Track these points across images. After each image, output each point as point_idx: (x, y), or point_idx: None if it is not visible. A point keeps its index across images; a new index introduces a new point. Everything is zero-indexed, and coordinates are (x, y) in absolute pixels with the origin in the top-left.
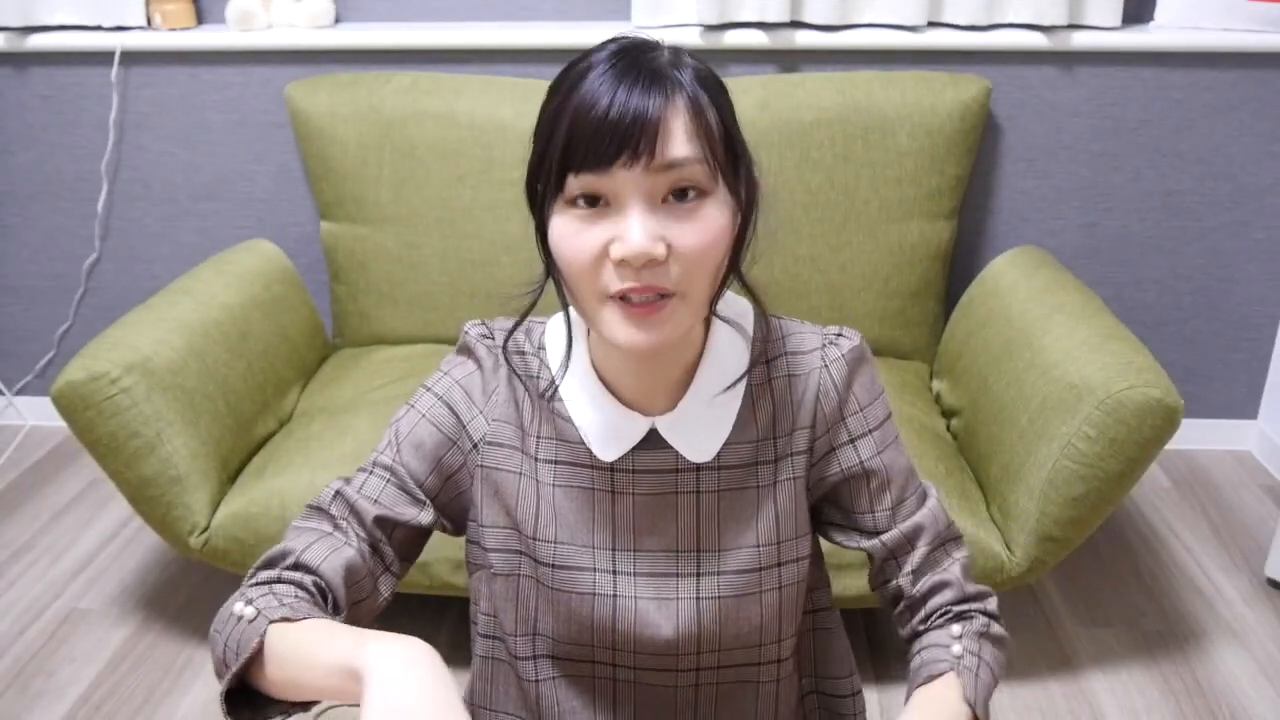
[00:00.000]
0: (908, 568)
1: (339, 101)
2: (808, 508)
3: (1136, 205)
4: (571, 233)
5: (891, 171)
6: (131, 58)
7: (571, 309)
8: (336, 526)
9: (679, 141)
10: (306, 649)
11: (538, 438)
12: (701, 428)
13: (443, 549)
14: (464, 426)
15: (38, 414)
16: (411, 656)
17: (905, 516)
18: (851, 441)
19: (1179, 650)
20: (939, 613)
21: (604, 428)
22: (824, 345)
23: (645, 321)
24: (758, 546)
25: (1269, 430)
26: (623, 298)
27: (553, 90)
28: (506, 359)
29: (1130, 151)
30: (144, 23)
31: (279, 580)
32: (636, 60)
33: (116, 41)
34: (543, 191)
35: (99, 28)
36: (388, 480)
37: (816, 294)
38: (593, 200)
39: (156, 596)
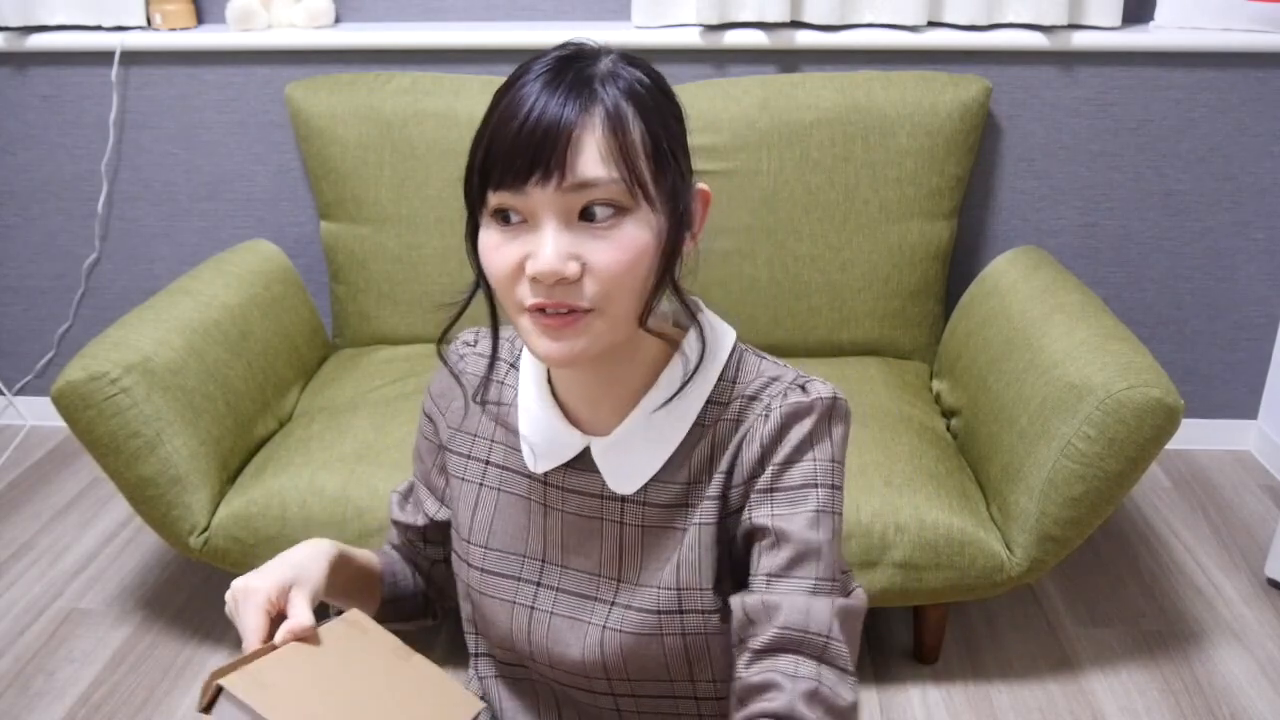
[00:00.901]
0: (752, 645)
1: (339, 101)
2: (716, 559)
3: (1136, 205)
4: (493, 246)
5: (891, 171)
6: (131, 58)
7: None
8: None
9: (591, 161)
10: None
11: (491, 441)
12: (633, 458)
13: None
14: (438, 432)
15: (38, 414)
16: (301, 545)
17: (779, 591)
18: (766, 491)
19: (1179, 650)
20: (757, 714)
21: (541, 439)
22: (779, 395)
23: (559, 334)
24: (659, 588)
25: (1269, 430)
26: (540, 309)
27: (494, 96)
28: (442, 359)
29: (1130, 151)
30: (144, 23)
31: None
32: (565, 72)
33: (116, 41)
34: (471, 202)
35: (99, 28)
36: (420, 481)
37: (816, 294)
38: (509, 216)
39: (156, 596)
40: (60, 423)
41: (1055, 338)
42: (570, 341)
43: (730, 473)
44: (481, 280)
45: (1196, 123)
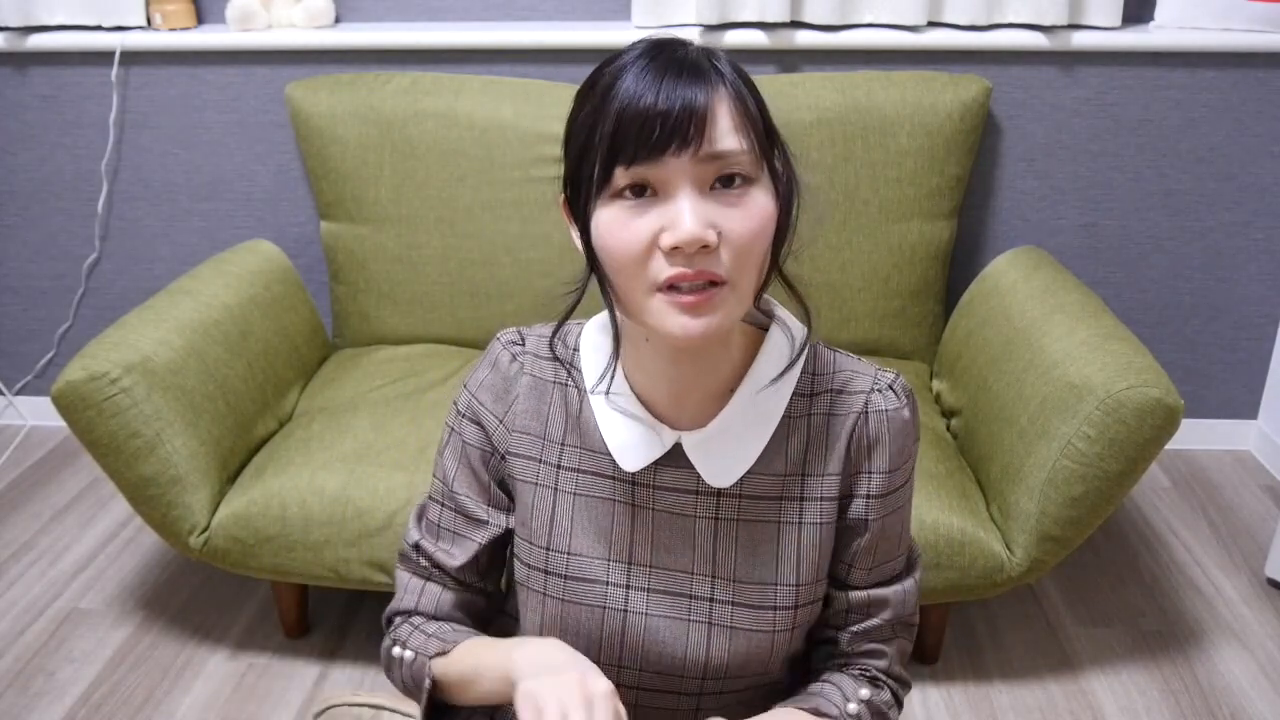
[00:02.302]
0: (854, 629)
1: (339, 101)
2: (830, 551)
3: (1136, 205)
4: (619, 225)
5: (891, 171)
6: (131, 58)
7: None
8: (429, 576)
9: (726, 131)
10: (465, 674)
11: (562, 444)
12: (728, 451)
13: None
14: (491, 437)
15: (38, 414)
16: (545, 643)
17: (878, 583)
18: (866, 497)
19: (1179, 650)
20: (859, 667)
21: (629, 438)
22: (871, 390)
23: (697, 310)
24: (777, 585)
25: (1269, 430)
26: (672, 288)
27: (583, 94)
28: (559, 362)
29: (1130, 151)
30: (144, 23)
31: (416, 628)
32: (673, 55)
33: (116, 41)
34: (585, 190)
35: (99, 28)
36: (451, 511)
37: (817, 294)
38: (640, 190)
39: (156, 596)
40: (60, 423)
41: (1055, 338)
42: (707, 318)
43: (842, 473)
44: (596, 271)
45: (1196, 123)
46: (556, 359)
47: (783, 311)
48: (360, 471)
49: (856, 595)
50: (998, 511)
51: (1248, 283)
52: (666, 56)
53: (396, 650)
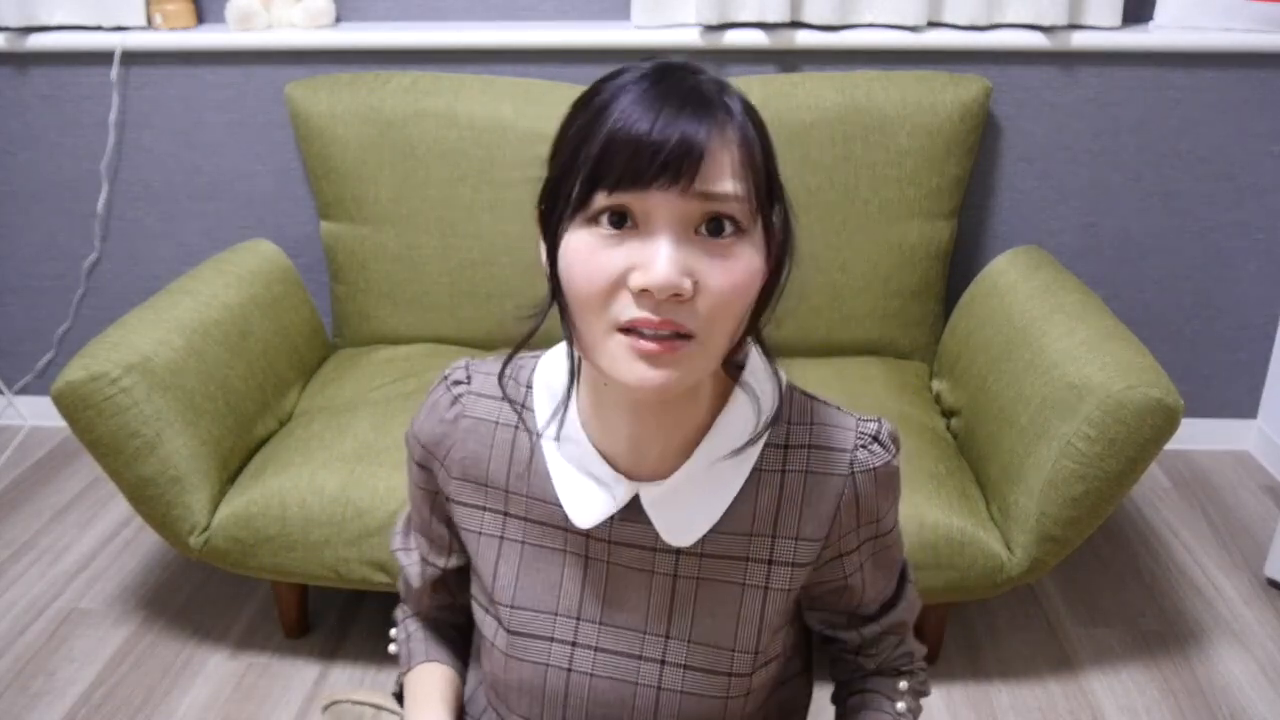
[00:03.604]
0: (874, 650)
1: (339, 101)
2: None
3: (1136, 205)
4: (589, 252)
5: (891, 171)
6: (131, 58)
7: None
8: (409, 581)
9: (725, 175)
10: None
11: (507, 492)
12: (689, 508)
13: None
14: (435, 480)
15: (38, 414)
16: None
17: (887, 609)
18: (858, 550)
19: (1179, 650)
20: (893, 666)
21: (583, 490)
22: (855, 448)
23: (657, 360)
24: (734, 651)
25: (1269, 430)
26: (633, 330)
27: (580, 105)
28: (509, 402)
29: (1130, 151)
30: (144, 23)
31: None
32: (681, 82)
33: (116, 41)
34: (560, 208)
35: (99, 28)
36: (418, 530)
37: (816, 294)
38: (619, 219)
39: (156, 596)
40: (60, 423)
41: (1055, 338)
42: (668, 370)
43: (826, 539)
44: (557, 298)
45: (1196, 123)
46: (506, 399)
47: (755, 362)
48: (360, 471)
49: (871, 629)
50: (998, 511)
51: (1248, 283)
52: (673, 82)
53: (392, 631)
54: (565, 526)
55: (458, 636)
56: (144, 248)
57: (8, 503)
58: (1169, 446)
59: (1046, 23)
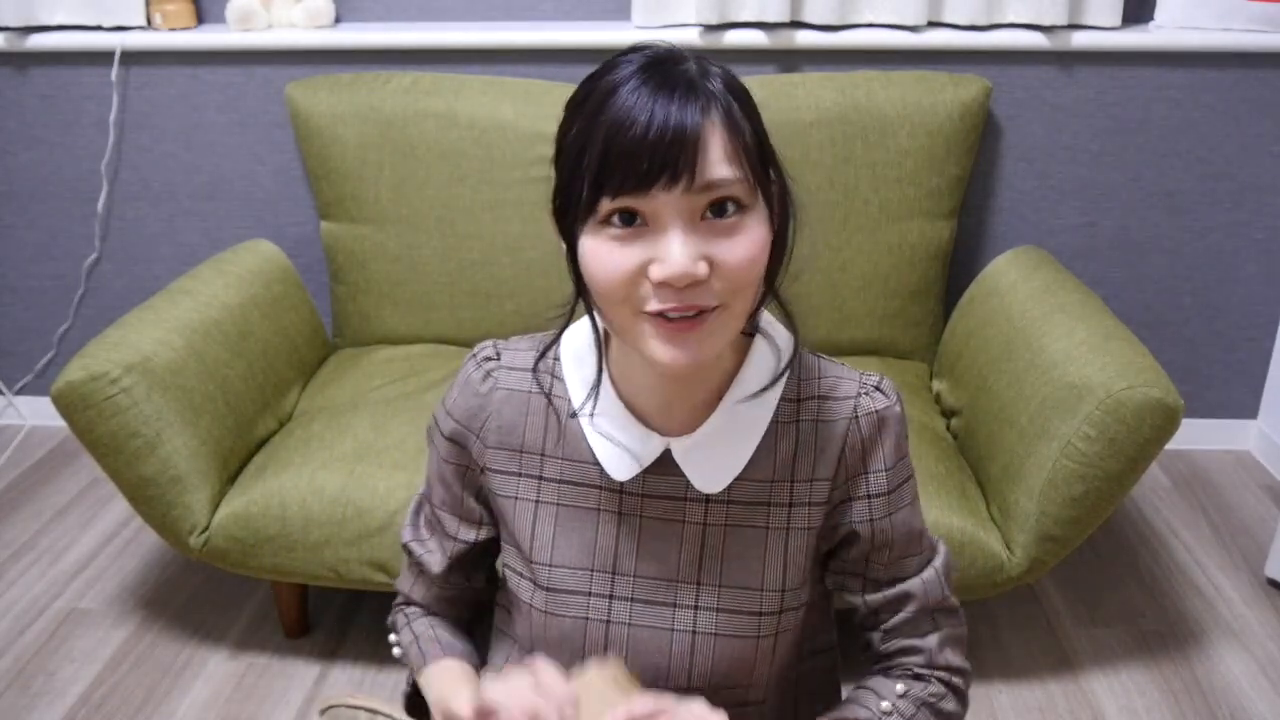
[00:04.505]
0: (885, 627)
1: (339, 101)
2: (815, 557)
3: (1136, 205)
4: (606, 253)
5: (891, 171)
6: (131, 58)
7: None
8: (419, 572)
9: (718, 160)
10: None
11: (543, 455)
12: (717, 457)
13: None
14: (469, 453)
15: (38, 414)
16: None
17: (897, 580)
18: (867, 498)
19: (1179, 650)
20: (899, 667)
21: (618, 447)
22: (858, 395)
23: (686, 338)
24: (762, 590)
25: (1269, 430)
26: (660, 314)
27: (575, 107)
28: (537, 381)
29: (1130, 151)
30: (144, 23)
31: (412, 615)
32: (668, 75)
33: (116, 41)
34: (571, 212)
35: (99, 28)
36: (433, 518)
37: (817, 294)
38: (628, 218)
39: (156, 596)
40: (60, 423)
41: (1055, 338)
42: (697, 346)
43: (834, 478)
44: (582, 293)
45: (1196, 123)
46: (537, 371)
47: (768, 319)
48: (360, 471)
49: (874, 598)
50: (998, 511)
51: (1248, 283)
52: (659, 77)
53: (392, 636)
54: (599, 484)
55: (465, 632)
56: (144, 248)
57: (8, 503)
58: (1169, 446)
59: (1046, 23)
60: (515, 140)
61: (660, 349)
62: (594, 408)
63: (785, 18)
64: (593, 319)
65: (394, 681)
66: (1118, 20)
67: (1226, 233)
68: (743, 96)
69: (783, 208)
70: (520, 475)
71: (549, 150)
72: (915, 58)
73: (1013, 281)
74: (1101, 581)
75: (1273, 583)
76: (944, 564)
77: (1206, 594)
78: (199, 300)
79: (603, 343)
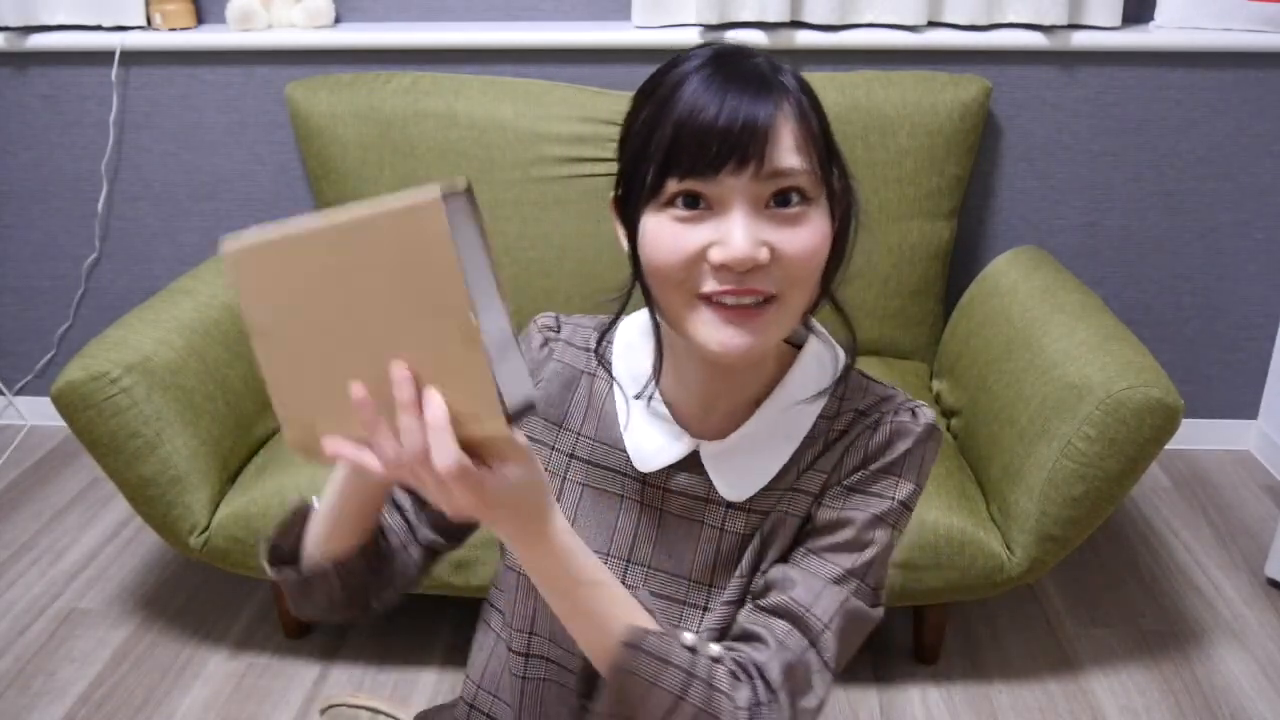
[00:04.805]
0: (759, 601)
1: (339, 101)
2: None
3: (1136, 205)
4: (668, 234)
5: (891, 171)
6: (131, 58)
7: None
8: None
9: (788, 150)
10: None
11: (578, 434)
12: (745, 466)
13: None
14: None
15: (38, 414)
16: None
17: (805, 568)
18: (849, 490)
19: (1179, 650)
20: (733, 652)
21: (648, 440)
22: (892, 410)
23: (742, 325)
24: (740, 577)
25: (1269, 430)
26: (716, 300)
27: (643, 96)
28: (600, 362)
29: (1130, 151)
30: (144, 23)
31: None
32: (739, 66)
33: (116, 41)
34: (635, 195)
35: (99, 28)
36: None
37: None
38: (693, 201)
39: (156, 596)
40: (60, 423)
41: (1055, 338)
42: (752, 334)
43: (829, 474)
44: (640, 277)
45: (1196, 123)
46: (590, 350)
47: (820, 329)
48: None
49: (776, 569)
50: (998, 511)
51: (1248, 283)
52: (732, 68)
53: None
54: (625, 472)
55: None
56: (144, 248)
57: (8, 503)
58: (1169, 446)
59: (1046, 23)
60: (515, 140)
61: (713, 334)
62: (649, 399)
63: (785, 18)
64: (653, 314)
65: (394, 681)
66: (1118, 20)
67: (1226, 233)
68: (812, 95)
69: (844, 208)
70: (553, 449)
71: (549, 150)
72: (915, 58)
73: (1013, 281)
74: (1101, 581)
75: (1273, 583)
76: (853, 611)
77: (1206, 594)
78: (199, 300)
79: (660, 345)
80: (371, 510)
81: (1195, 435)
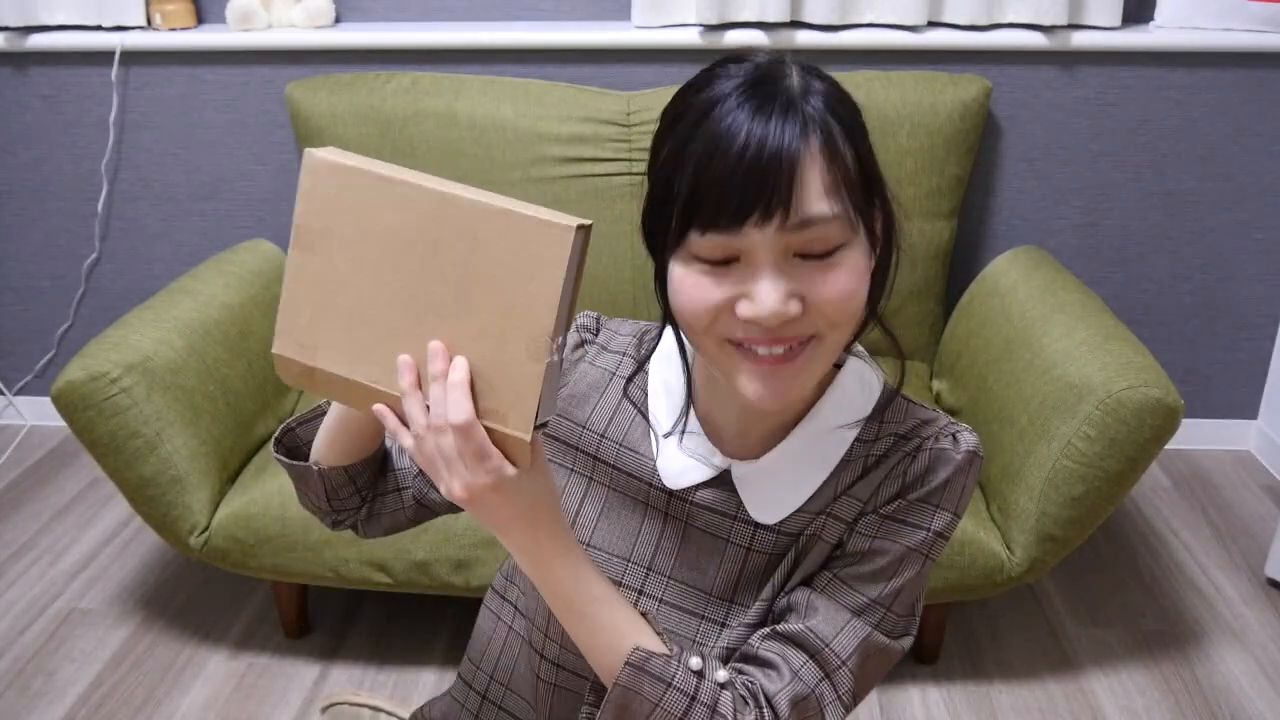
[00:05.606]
0: (776, 627)
1: (339, 101)
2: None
3: (1136, 205)
4: (694, 285)
5: (891, 171)
6: (131, 58)
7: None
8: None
9: (816, 195)
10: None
11: (603, 437)
12: (777, 488)
13: (442, 548)
14: None
15: (38, 414)
16: None
17: (830, 596)
18: (875, 512)
19: (1179, 650)
20: (744, 677)
21: (678, 456)
22: (933, 435)
23: (777, 374)
24: (761, 600)
25: (1269, 430)
26: (749, 347)
27: (673, 119)
28: (631, 358)
29: (1130, 151)
30: (144, 23)
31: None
32: (765, 93)
33: (116, 41)
34: (660, 239)
35: (99, 28)
36: None
37: None
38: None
39: (156, 596)
40: (60, 423)
41: (1055, 338)
42: (786, 383)
43: (865, 501)
44: (669, 317)
45: (1196, 123)
46: (624, 354)
47: (861, 350)
48: None
49: (799, 593)
50: (998, 511)
51: (1248, 283)
52: (762, 97)
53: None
54: (651, 481)
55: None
56: (144, 248)
57: (8, 503)
58: (1169, 446)
59: (1046, 23)
60: (515, 140)
61: (749, 385)
62: (683, 430)
63: (785, 18)
64: (679, 342)
65: (394, 681)
66: (1118, 20)
67: (1226, 233)
68: (846, 117)
69: (886, 236)
70: (578, 450)
71: (549, 150)
72: (915, 58)
73: (1013, 281)
74: (1101, 581)
75: (1273, 583)
76: (874, 646)
77: (1206, 594)
78: (199, 300)
79: (690, 383)
80: (359, 444)
81: (1195, 435)
